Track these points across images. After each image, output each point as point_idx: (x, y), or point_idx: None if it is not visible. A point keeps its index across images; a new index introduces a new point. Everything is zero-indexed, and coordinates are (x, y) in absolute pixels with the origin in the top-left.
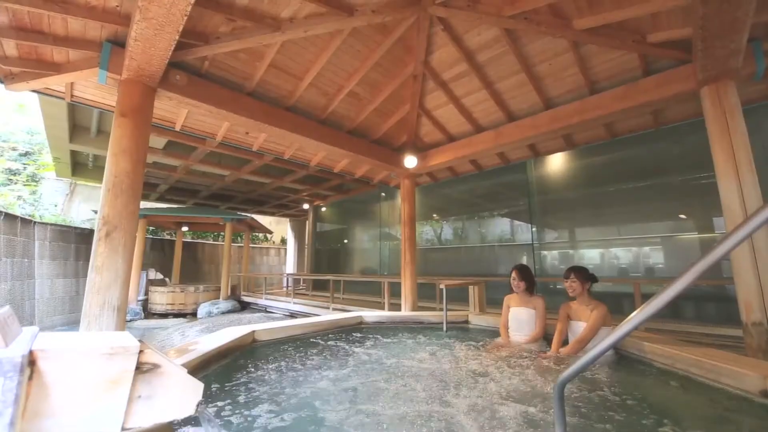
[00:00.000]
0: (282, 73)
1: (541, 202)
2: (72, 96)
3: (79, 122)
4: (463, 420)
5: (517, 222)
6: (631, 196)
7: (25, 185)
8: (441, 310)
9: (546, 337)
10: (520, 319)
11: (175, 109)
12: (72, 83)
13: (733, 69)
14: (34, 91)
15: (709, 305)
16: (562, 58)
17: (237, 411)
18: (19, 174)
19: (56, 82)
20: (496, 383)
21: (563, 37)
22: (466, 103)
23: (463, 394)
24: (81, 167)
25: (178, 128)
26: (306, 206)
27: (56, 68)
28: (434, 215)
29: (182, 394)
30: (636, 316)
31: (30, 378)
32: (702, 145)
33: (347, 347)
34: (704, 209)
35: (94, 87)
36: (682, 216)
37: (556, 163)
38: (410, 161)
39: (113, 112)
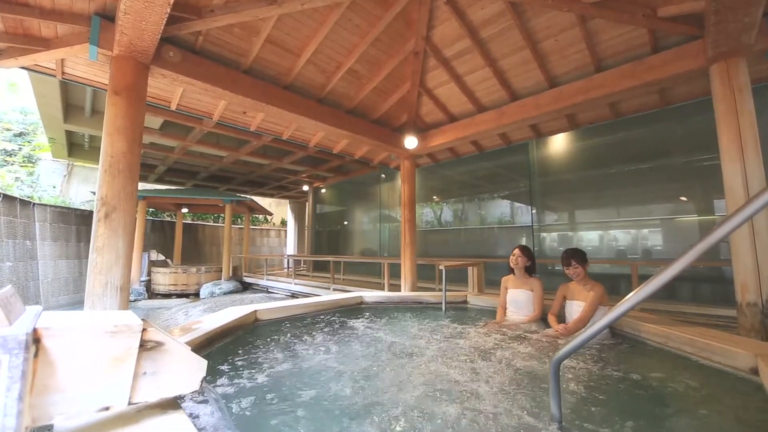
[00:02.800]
0: (279, 49)
1: (541, 183)
2: (63, 73)
3: (72, 101)
4: (459, 394)
5: (517, 204)
6: (633, 178)
7: (21, 166)
8: (440, 290)
9: (544, 317)
10: (518, 300)
11: (169, 87)
12: (62, 60)
13: (746, 45)
14: (23, 68)
15: (704, 286)
16: (568, 33)
17: (240, 386)
18: (15, 155)
19: (46, 59)
20: (493, 360)
21: (570, 11)
22: (468, 81)
23: (459, 370)
24: (77, 148)
25: (173, 107)
26: (306, 188)
27: (45, 44)
28: (434, 197)
29: (187, 370)
30: (633, 297)
31: (36, 355)
32: (707, 125)
33: (347, 326)
34: (705, 191)
35: (86, 64)
36: (683, 198)
37: (558, 144)
38: (410, 142)
39: (106, 90)
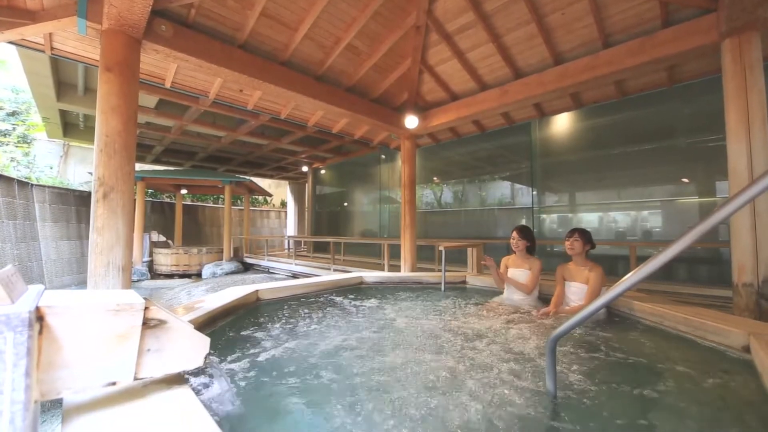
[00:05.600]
0: (275, 23)
1: (543, 164)
2: (52, 49)
3: (64, 79)
4: (457, 371)
5: (518, 185)
6: (635, 160)
7: (17, 146)
8: (440, 271)
9: (542, 297)
10: (517, 279)
11: (163, 64)
12: (50, 34)
13: (761, 19)
14: (10, 42)
15: (700, 267)
16: (576, 6)
17: (243, 362)
18: (9, 135)
19: (33, 33)
20: (491, 338)
21: None
22: (471, 58)
23: (458, 347)
24: (72, 128)
25: (168, 85)
26: (305, 169)
27: (31, 17)
28: (435, 178)
29: (190, 347)
30: (631, 277)
31: (40, 332)
32: (714, 105)
33: (347, 305)
34: (708, 173)
35: (75, 39)
36: (685, 180)
37: (561, 124)
38: (411, 121)
39: (98, 67)
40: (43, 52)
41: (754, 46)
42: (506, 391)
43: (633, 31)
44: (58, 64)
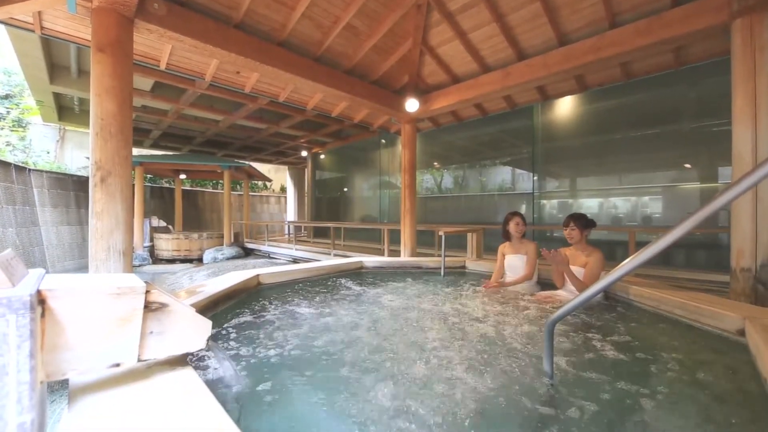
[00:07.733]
0: (271, 1)
1: (544, 149)
2: (42, 28)
3: (57, 61)
4: (456, 353)
5: (519, 170)
6: (637, 144)
7: (12, 131)
8: (439, 256)
9: (541, 281)
10: (515, 266)
11: (157, 44)
12: (40, 12)
13: None
14: None
15: (698, 252)
16: None
17: (245, 344)
18: (4, 119)
19: (21, 11)
20: (490, 320)
21: None
22: (473, 38)
23: (457, 329)
24: (67, 111)
25: (163, 67)
26: (304, 153)
27: None
28: (435, 163)
29: (192, 330)
30: (629, 263)
31: (42, 315)
32: (720, 88)
33: (347, 289)
34: (710, 159)
35: (65, 17)
36: (687, 165)
37: (564, 107)
38: (411, 104)
39: (90, 47)
40: (32, 31)
41: (766, 27)
42: (503, 373)
43: (641, 10)
44: (50, 45)
